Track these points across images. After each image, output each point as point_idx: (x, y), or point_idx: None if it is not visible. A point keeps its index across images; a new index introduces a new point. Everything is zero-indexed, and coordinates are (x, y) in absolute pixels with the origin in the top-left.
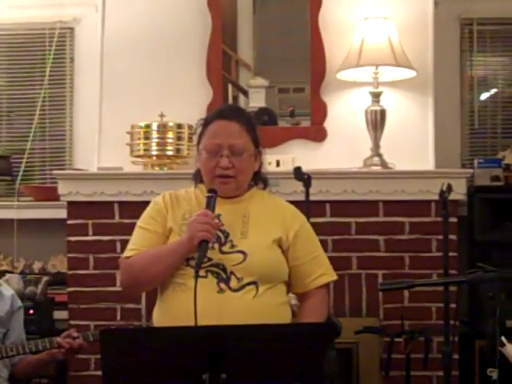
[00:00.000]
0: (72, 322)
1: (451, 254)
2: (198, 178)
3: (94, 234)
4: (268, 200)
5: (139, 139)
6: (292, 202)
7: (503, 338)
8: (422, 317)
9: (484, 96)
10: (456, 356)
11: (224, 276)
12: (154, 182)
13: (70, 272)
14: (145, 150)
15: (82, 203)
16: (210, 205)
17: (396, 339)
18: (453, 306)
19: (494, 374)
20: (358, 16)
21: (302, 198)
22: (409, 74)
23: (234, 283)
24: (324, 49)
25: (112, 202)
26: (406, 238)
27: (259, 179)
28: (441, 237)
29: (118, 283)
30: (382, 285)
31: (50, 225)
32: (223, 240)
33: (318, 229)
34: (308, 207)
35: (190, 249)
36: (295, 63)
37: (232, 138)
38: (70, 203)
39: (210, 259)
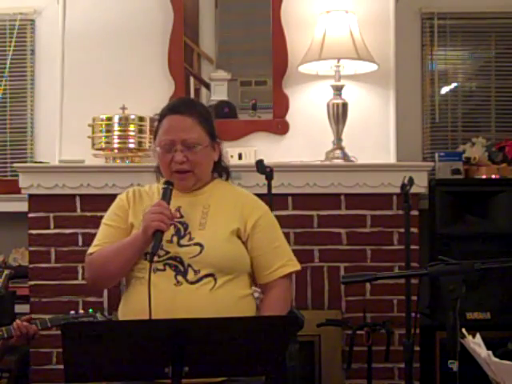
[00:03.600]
0: (34, 316)
1: (412, 246)
2: (159, 171)
3: (55, 227)
4: (230, 191)
5: (101, 132)
6: (253, 194)
7: (463, 330)
8: (384, 309)
9: (445, 90)
10: (417, 348)
11: (182, 269)
12: (115, 175)
13: (32, 265)
14: (106, 142)
15: (43, 196)
16: (166, 196)
17: (358, 332)
18: (414, 298)
19: (454, 365)
20: (320, 9)
21: (264, 190)
22: (370, 67)
23: (191, 276)
24: (286, 42)
25: (73, 195)
26: (367, 231)
27: (221, 169)
28: (402, 230)
29: (80, 276)
30: (344, 278)
31: (11, 218)
32: (182, 232)
33: (280, 222)
34: (270, 200)
35: (146, 240)
36: (257, 56)
37: (184, 133)
38: (31, 196)
39: (167, 252)
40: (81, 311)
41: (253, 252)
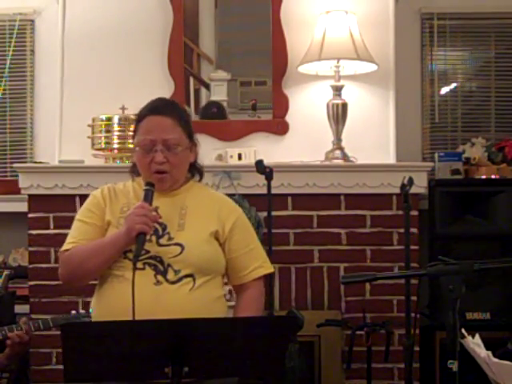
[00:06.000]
0: (33, 316)
1: (412, 247)
2: (135, 171)
3: (55, 228)
4: (205, 193)
5: (100, 132)
6: (254, 195)
7: (463, 330)
8: (384, 309)
9: (444, 90)
10: (417, 348)
11: (161, 268)
12: (115, 175)
13: (31, 265)
14: (106, 143)
15: (43, 196)
16: (148, 198)
17: (358, 332)
18: (414, 298)
19: (454, 365)
20: (320, 9)
21: (264, 191)
22: (370, 67)
23: (171, 275)
24: (286, 42)
25: (73, 196)
26: (367, 231)
27: (195, 171)
28: (402, 230)
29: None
30: (343, 278)
31: (10, 218)
32: (160, 232)
33: (280, 222)
34: (270, 200)
35: (128, 241)
36: (257, 56)
37: (165, 133)
38: (31, 196)
39: (147, 251)
40: (82, 311)
41: (230, 254)
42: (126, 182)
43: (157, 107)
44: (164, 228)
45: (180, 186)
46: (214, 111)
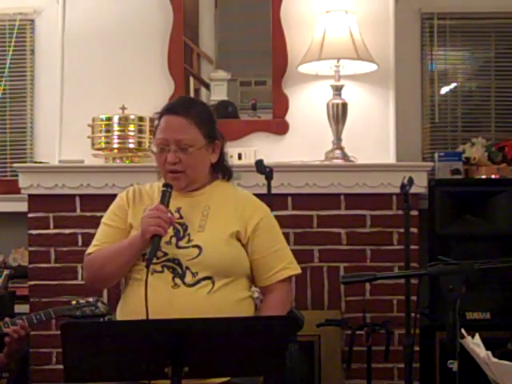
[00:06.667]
0: None
1: (412, 246)
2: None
3: (55, 227)
4: (230, 192)
5: (100, 132)
6: (254, 195)
7: (463, 330)
8: (384, 309)
9: (444, 90)
10: (417, 348)
11: (180, 271)
12: (115, 175)
13: (31, 265)
14: (106, 142)
15: (43, 196)
16: (164, 199)
17: (358, 332)
18: (414, 298)
19: (454, 365)
20: (320, 9)
21: (263, 191)
22: (370, 67)
23: (189, 278)
24: (286, 42)
25: (73, 195)
26: (367, 231)
27: (222, 170)
28: (402, 230)
29: (80, 276)
30: (343, 278)
31: (10, 218)
32: (181, 234)
33: (280, 222)
34: (270, 200)
35: (144, 244)
36: (257, 56)
37: (178, 133)
38: (31, 196)
39: (165, 254)
40: (81, 301)
41: (253, 255)
42: (153, 182)
43: (173, 107)
44: (185, 229)
45: (203, 185)
46: (230, 111)
